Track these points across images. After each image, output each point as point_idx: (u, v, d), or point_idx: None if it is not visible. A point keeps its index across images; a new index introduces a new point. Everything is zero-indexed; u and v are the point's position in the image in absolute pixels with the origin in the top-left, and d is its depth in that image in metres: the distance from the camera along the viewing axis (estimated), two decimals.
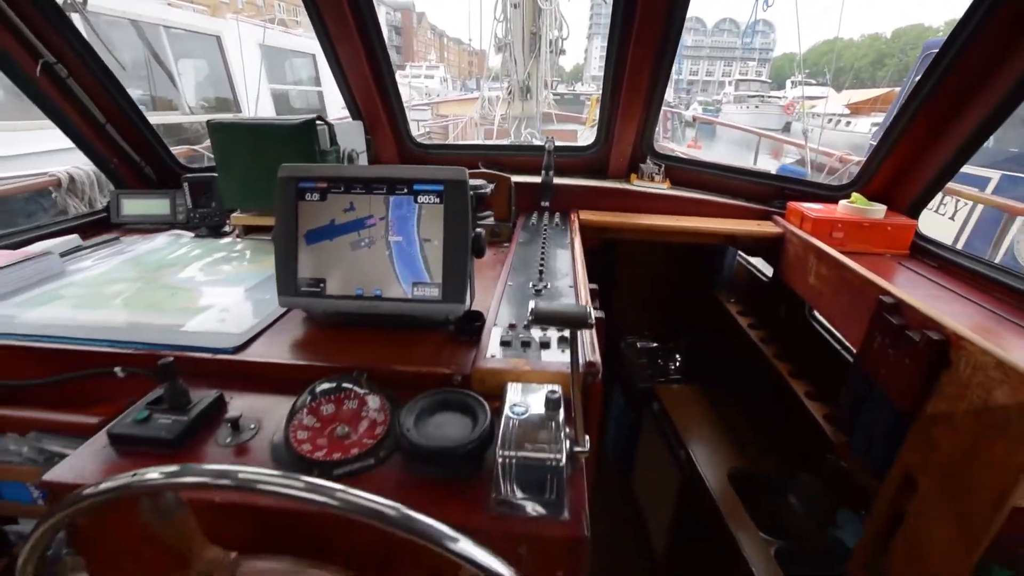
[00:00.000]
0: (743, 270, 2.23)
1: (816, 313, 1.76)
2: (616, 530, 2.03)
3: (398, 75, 1.98)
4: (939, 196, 4.65)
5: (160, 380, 0.81)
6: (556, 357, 0.90)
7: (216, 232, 1.72)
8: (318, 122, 1.50)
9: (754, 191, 1.98)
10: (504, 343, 0.94)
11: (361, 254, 1.01)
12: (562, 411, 0.72)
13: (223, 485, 0.50)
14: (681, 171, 2.05)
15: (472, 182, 1.02)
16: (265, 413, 0.84)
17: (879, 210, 1.56)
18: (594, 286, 1.24)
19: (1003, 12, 1.18)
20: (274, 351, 0.98)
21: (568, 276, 1.27)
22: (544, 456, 0.65)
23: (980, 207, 4.58)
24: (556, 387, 0.74)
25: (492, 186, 1.56)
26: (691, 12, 1.67)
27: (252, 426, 0.81)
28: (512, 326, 0.99)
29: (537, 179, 1.83)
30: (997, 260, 3.13)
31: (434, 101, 14.98)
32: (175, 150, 2.08)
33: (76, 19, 1.66)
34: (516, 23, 4.41)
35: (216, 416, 0.83)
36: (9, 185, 2.56)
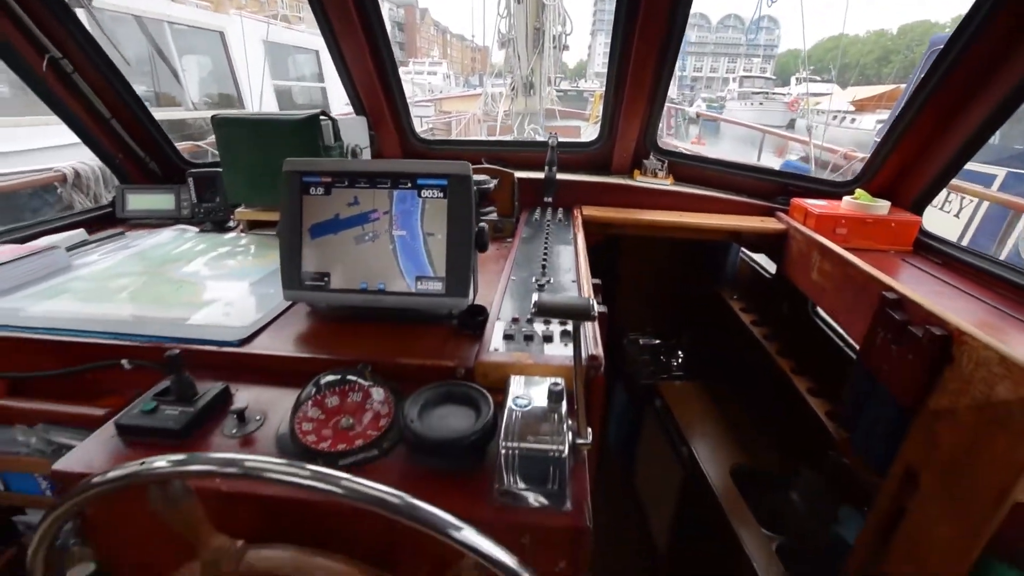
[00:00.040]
0: (746, 266, 2.23)
1: (819, 310, 1.76)
2: (618, 523, 2.04)
3: (401, 71, 1.98)
4: (944, 193, 4.62)
5: (167, 372, 0.82)
6: (559, 351, 0.90)
7: (220, 227, 1.73)
8: (322, 117, 1.51)
9: (758, 187, 1.97)
10: (507, 337, 0.94)
11: (365, 248, 1.02)
12: (565, 403, 0.72)
13: (230, 473, 0.50)
14: (684, 167, 2.05)
15: (475, 177, 1.02)
16: (270, 405, 0.85)
17: (883, 206, 1.56)
18: (597, 281, 1.24)
19: (1009, 7, 1.17)
20: (279, 344, 0.98)
21: (571, 272, 1.27)
22: (547, 447, 0.65)
23: (985, 204, 4.55)
24: (559, 380, 0.75)
25: (495, 182, 1.56)
26: (695, 8, 1.66)
27: (258, 418, 0.81)
28: (515, 320, 1.00)
29: (540, 175, 1.82)
30: (1002, 257, 3.11)
31: (437, 97, 14.98)
32: (179, 146, 2.09)
33: (81, 14, 1.67)
34: (519, 19, 4.39)
35: (222, 408, 0.84)
36: (15, 180, 2.58)
